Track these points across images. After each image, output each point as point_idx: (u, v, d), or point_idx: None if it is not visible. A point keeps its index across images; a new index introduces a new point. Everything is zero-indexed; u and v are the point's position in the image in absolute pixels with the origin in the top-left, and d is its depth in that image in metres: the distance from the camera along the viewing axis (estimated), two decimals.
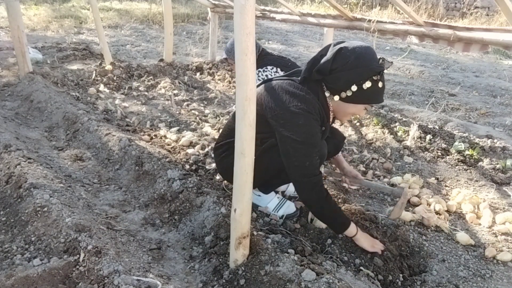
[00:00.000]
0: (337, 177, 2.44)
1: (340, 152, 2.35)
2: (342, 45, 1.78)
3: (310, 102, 1.76)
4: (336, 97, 1.81)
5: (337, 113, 1.92)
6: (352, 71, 1.73)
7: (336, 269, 1.63)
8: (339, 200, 2.33)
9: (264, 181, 2.02)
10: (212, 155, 2.78)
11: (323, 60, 1.79)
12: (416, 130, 3.22)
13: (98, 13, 4.80)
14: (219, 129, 3.28)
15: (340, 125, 3.45)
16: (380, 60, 1.76)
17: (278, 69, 3.21)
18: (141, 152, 2.55)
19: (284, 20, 4.48)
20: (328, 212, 1.82)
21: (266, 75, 3.17)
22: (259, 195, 2.16)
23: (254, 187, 2.09)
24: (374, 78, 1.73)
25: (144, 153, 2.53)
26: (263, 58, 3.27)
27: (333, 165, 2.60)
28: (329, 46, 1.85)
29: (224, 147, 2.03)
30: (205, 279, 1.67)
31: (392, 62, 1.82)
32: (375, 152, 3.08)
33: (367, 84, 1.73)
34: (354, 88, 1.75)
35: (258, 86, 2.00)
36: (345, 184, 2.38)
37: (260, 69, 3.19)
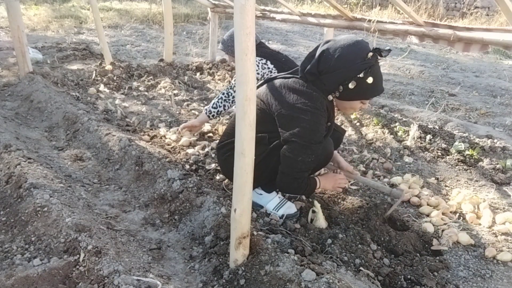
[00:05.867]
0: (332, 170, 2.39)
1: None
2: (326, 46, 1.82)
3: (317, 99, 1.81)
4: (330, 97, 1.88)
5: (339, 107, 2.00)
6: (335, 73, 1.77)
7: (336, 269, 1.63)
8: (339, 200, 2.33)
9: (269, 180, 2.03)
10: (213, 155, 2.79)
11: (311, 63, 1.83)
12: (416, 130, 3.22)
13: (98, 13, 4.80)
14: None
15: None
16: (370, 54, 1.75)
17: (268, 62, 3.19)
18: (141, 152, 2.55)
19: (284, 20, 4.48)
20: (299, 193, 2.09)
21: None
22: (261, 194, 2.16)
23: (258, 186, 2.11)
24: (360, 76, 1.75)
25: (144, 153, 2.53)
26: (257, 50, 3.24)
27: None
28: (318, 46, 1.89)
29: (227, 147, 2.04)
30: (205, 279, 1.66)
31: (389, 50, 1.80)
32: (375, 152, 3.08)
33: (352, 85, 1.77)
34: (341, 88, 1.80)
35: (260, 85, 2.01)
36: None
37: None
